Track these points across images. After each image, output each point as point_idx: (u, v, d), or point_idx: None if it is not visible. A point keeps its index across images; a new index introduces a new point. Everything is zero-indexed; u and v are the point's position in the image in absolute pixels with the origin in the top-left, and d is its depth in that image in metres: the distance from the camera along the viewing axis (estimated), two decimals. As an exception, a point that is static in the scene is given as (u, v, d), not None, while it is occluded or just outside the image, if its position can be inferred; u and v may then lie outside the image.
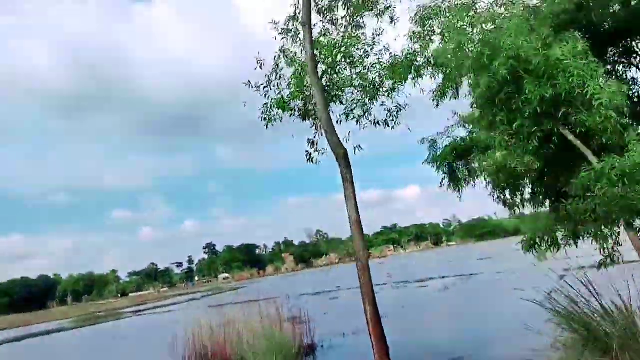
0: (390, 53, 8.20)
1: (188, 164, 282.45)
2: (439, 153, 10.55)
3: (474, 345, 11.66)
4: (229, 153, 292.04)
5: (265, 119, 8.91)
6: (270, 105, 8.77)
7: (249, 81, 8.81)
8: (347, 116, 8.64)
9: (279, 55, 8.70)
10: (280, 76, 8.70)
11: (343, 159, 7.36)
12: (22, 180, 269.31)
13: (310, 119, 8.88)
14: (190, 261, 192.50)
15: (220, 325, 14.62)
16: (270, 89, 8.72)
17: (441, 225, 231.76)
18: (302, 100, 8.63)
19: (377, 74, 7.66)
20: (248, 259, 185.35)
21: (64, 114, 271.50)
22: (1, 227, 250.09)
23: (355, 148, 7.90)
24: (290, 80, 8.60)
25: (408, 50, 8.06)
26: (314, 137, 8.82)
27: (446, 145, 10.38)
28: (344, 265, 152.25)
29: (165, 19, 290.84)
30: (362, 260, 7.00)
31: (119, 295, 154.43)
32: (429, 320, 16.76)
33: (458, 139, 10.46)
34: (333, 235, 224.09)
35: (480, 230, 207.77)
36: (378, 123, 8.75)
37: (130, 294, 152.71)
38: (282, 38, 8.77)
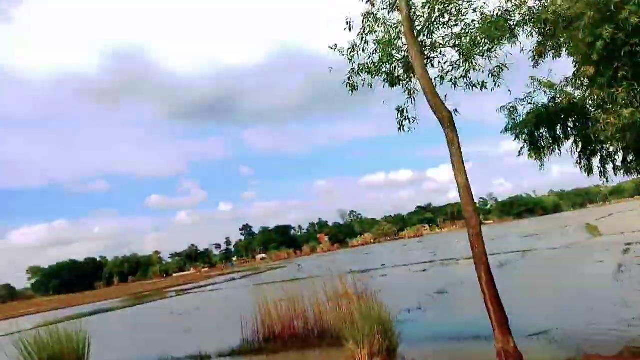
0: (484, 12, 7.67)
1: (220, 148, 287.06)
2: (519, 120, 10.13)
3: (573, 317, 11.26)
4: (259, 137, 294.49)
5: (349, 85, 8.71)
6: (358, 71, 8.56)
7: (336, 45, 8.57)
8: (442, 79, 8.32)
9: (366, 18, 8.38)
10: (366, 40, 8.43)
11: (448, 121, 7.10)
12: (61, 169, 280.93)
13: (400, 84, 8.63)
14: (228, 243, 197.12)
15: (284, 301, 14.77)
16: (357, 54, 8.48)
17: (477, 204, 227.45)
18: (390, 65, 8.36)
19: (474, 33, 7.22)
20: (283, 239, 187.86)
21: (100, 101, 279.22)
22: (46, 214, 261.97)
23: (452, 112, 7.55)
24: (378, 43, 8.31)
25: (500, 9, 7.59)
26: (405, 104, 8.58)
27: (528, 112, 9.95)
28: (379, 245, 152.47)
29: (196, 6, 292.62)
30: (473, 227, 6.78)
31: (164, 275, 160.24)
32: (508, 296, 16.16)
33: (539, 104, 10.01)
34: (366, 216, 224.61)
35: (518, 209, 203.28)
36: (475, 85, 8.38)
37: (173, 274, 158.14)
38: (367, 1, 8.41)
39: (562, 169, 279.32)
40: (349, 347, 6.99)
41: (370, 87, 8.64)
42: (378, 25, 8.32)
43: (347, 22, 8.35)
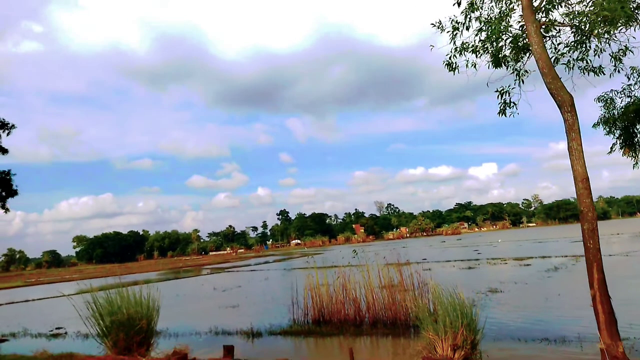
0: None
1: (262, 134, 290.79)
2: (615, 113, 9.39)
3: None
4: (300, 126, 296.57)
5: (449, 65, 8.26)
6: (461, 49, 8.09)
7: (440, 22, 8.12)
8: (557, 61, 7.68)
9: None
10: (469, 18, 7.91)
11: (569, 105, 6.56)
12: (111, 146, 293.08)
13: (506, 66, 8.09)
14: (264, 226, 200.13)
15: (333, 286, 14.60)
16: (460, 33, 8.00)
17: (520, 206, 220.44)
18: (497, 44, 7.83)
19: (596, 11, 6.53)
20: (319, 227, 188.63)
21: (149, 85, 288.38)
22: (95, 188, 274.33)
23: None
24: (483, 22, 7.78)
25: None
26: (509, 86, 8.02)
27: (626, 105, 9.19)
28: (416, 239, 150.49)
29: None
30: (589, 222, 6.28)
31: (202, 253, 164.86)
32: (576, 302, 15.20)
33: (637, 98, 9.23)
34: (403, 209, 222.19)
35: (563, 213, 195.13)
36: (593, 70, 7.74)
37: (210, 253, 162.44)
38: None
39: (613, 176, 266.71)
40: (428, 337, 6.70)
41: (475, 67, 8.15)
42: (489, 1, 7.79)
43: None
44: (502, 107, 8.03)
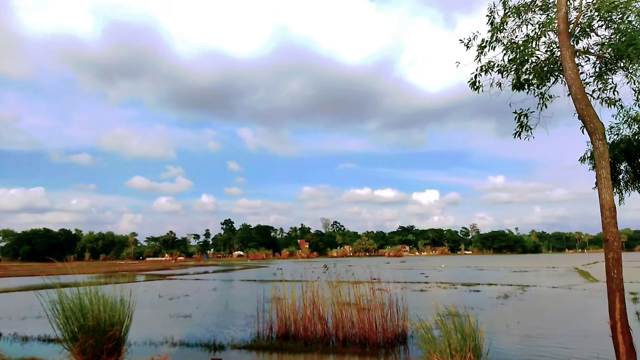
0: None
1: (211, 141, 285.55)
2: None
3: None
4: (252, 136, 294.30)
5: (473, 83, 8.21)
6: (486, 69, 8.07)
7: (469, 39, 8.04)
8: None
9: (506, 14, 7.89)
10: (497, 38, 7.93)
11: (601, 133, 6.61)
12: (49, 136, 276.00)
13: (527, 89, 8.14)
14: (207, 234, 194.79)
15: (303, 299, 14.10)
16: (484, 52, 7.98)
17: (459, 233, 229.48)
18: (522, 66, 7.87)
19: (625, 45, 6.62)
20: (263, 240, 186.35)
21: (97, 77, 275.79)
22: (26, 180, 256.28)
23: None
24: (507, 45, 7.80)
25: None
26: (528, 109, 8.04)
27: (614, 142, 9.58)
28: (358, 258, 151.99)
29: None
30: (614, 252, 6.28)
31: (140, 258, 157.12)
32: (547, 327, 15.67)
33: (625, 136, 9.65)
34: (348, 228, 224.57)
35: (498, 243, 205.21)
36: (614, 103, 7.89)
37: (147, 258, 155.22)
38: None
39: (544, 212, 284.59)
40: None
41: (500, 87, 8.16)
42: (521, 24, 7.85)
43: (489, 15, 7.85)
44: (518, 130, 8.10)
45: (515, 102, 8.04)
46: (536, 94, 8.24)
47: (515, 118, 8.02)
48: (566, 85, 7.02)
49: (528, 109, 7.99)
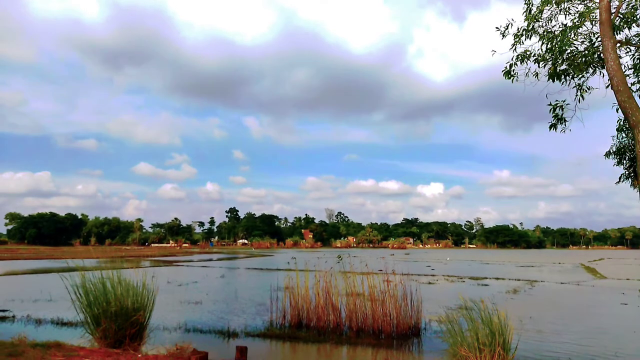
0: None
1: (216, 129, 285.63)
2: (627, 143, 9.57)
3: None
4: (257, 125, 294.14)
5: (508, 72, 8.05)
6: (523, 58, 7.89)
7: (506, 27, 7.88)
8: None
9: (544, 2, 7.69)
10: (532, 27, 7.75)
11: None
12: (56, 121, 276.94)
13: (563, 80, 7.97)
14: (212, 222, 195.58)
15: (315, 290, 14.07)
16: (521, 42, 7.81)
17: (463, 227, 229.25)
18: (560, 55, 7.69)
19: None
20: (268, 229, 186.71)
21: (104, 62, 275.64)
22: (33, 164, 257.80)
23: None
24: (545, 35, 7.63)
25: None
26: (564, 101, 7.90)
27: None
28: (362, 249, 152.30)
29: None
30: None
31: (146, 244, 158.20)
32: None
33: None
34: (352, 219, 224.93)
35: (502, 238, 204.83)
36: None
37: (152, 244, 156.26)
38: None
39: (548, 208, 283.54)
40: (461, 354, 6.36)
41: (537, 77, 7.99)
42: (559, 12, 7.66)
43: (527, 3, 7.66)
44: (554, 122, 7.95)
45: (552, 94, 7.85)
46: (573, 85, 8.07)
47: (550, 110, 7.86)
48: (605, 76, 6.86)
49: (564, 101, 7.83)
